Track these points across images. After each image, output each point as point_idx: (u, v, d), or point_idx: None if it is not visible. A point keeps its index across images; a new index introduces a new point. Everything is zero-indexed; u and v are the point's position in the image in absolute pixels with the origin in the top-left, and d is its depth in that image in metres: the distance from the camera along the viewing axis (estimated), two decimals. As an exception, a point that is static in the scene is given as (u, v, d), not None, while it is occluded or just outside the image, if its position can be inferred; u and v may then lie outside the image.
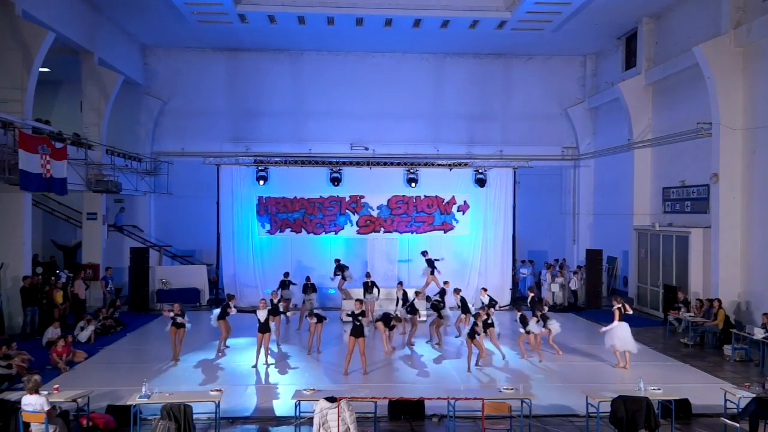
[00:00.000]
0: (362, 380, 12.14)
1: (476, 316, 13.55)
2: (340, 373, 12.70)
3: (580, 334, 16.90)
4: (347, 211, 21.18)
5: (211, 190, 21.75)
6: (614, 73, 23.70)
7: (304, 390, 9.63)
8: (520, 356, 13.82)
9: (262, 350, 13.36)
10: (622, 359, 13.14)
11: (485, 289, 16.69)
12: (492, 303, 15.70)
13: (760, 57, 16.13)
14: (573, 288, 21.35)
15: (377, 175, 21.24)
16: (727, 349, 14.40)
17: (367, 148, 24.94)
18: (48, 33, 16.64)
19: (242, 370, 13.18)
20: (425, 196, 21.33)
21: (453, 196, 21.38)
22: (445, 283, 17.05)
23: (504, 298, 20.63)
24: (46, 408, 8.27)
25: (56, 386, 9.51)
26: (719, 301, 15.77)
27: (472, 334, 12.77)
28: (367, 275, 18.09)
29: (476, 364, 13.09)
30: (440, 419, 10.03)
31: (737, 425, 9.19)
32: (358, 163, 21.51)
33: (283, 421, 9.92)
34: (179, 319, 13.52)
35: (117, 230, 23.32)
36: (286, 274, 17.99)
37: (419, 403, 10.19)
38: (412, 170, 21.21)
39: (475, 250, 21.34)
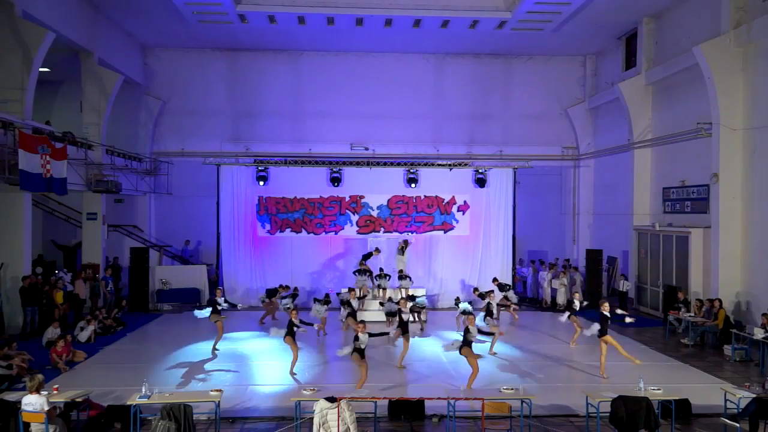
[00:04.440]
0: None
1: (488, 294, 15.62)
2: (341, 373, 12.72)
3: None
4: (347, 211, 21.18)
5: (211, 190, 21.76)
6: (614, 73, 23.70)
7: (304, 390, 9.62)
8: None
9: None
10: None
11: (496, 279, 18.85)
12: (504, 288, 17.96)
13: (760, 57, 16.13)
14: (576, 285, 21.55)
15: (377, 175, 21.25)
16: (727, 349, 14.40)
17: (367, 148, 24.95)
18: (48, 33, 16.64)
19: (242, 369, 13.17)
20: (425, 196, 21.33)
21: (453, 196, 21.39)
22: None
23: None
24: (46, 408, 8.27)
25: (56, 386, 9.49)
26: (719, 301, 15.77)
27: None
28: (362, 263, 19.28)
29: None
30: (440, 419, 10.03)
31: (737, 425, 9.18)
32: (358, 163, 21.51)
33: (283, 421, 9.92)
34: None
35: (184, 262, 23.43)
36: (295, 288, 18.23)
37: (419, 403, 10.18)
38: (412, 170, 21.22)
39: (475, 250, 21.35)
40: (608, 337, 12.52)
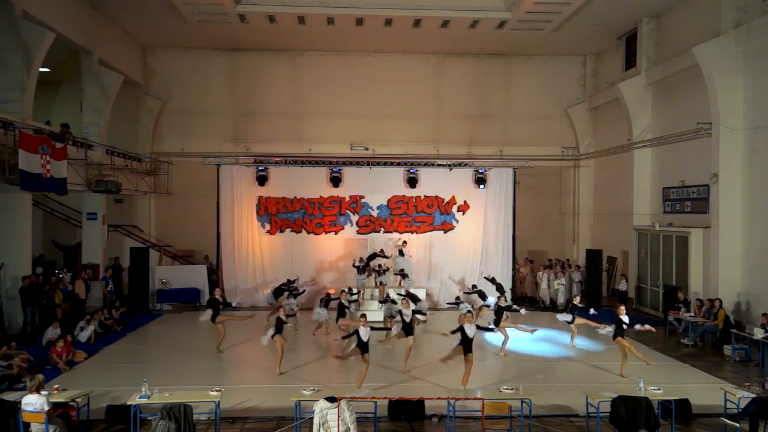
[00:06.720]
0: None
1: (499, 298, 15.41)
2: (341, 373, 12.70)
3: (580, 334, 16.87)
4: (347, 211, 21.17)
5: (211, 190, 21.74)
6: (614, 73, 23.70)
7: (304, 390, 9.63)
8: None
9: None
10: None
11: (494, 279, 18.39)
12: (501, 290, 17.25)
13: (760, 57, 16.13)
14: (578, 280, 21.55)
15: (377, 175, 21.23)
16: (727, 349, 14.40)
17: (367, 148, 24.96)
18: (48, 33, 16.67)
19: (242, 369, 13.16)
20: (425, 196, 21.31)
21: (453, 196, 21.37)
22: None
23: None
24: (47, 408, 8.27)
25: (56, 386, 9.50)
26: (719, 301, 15.78)
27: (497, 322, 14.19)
28: (361, 260, 19.34)
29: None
30: (440, 419, 10.03)
31: (737, 425, 9.19)
32: (358, 163, 21.50)
33: (283, 421, 9.91)
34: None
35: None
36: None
37: (419, 403, 10.19)
38: (412, 170, 21.20)
39: (475, 250, 21.33)
40: (621, 340, 12.51)
